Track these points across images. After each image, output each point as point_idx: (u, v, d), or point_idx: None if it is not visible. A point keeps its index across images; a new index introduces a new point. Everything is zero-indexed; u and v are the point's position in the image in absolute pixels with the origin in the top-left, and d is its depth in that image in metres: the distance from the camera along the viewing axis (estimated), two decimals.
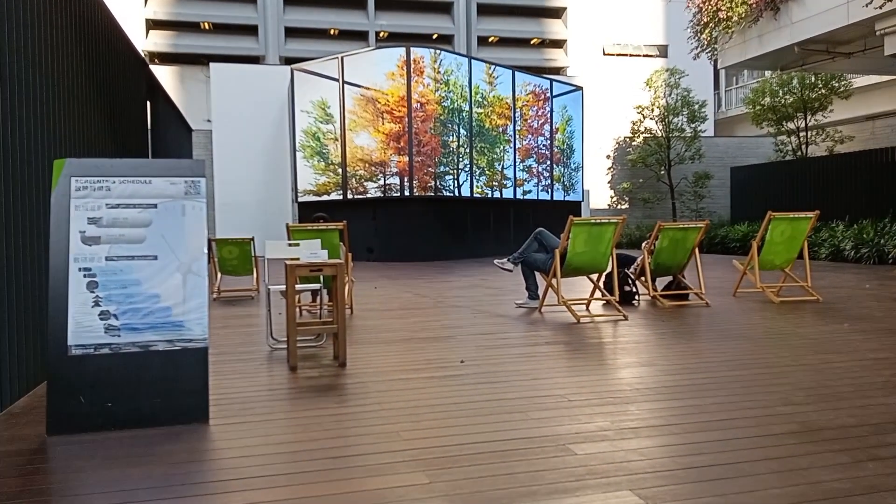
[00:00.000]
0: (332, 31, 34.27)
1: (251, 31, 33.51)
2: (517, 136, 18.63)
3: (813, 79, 20.69)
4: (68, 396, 3.06)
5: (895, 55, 12.90)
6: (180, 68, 31.34)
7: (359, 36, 33.95)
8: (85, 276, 3.15)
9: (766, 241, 7.64)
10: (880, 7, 11.83)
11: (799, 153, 21.48)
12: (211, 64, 21.32)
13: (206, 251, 3.30)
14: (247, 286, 9.11)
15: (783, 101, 21.46)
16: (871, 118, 23.99)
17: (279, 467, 2.62)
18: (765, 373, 4.10)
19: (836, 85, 20.82)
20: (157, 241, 3.24)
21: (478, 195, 17.45)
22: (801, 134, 21.57)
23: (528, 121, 19.09)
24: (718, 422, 3.10)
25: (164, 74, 27.18)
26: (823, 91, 20.87)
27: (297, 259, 4.81)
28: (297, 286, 4.77)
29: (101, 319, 3.14)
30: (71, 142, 4.82)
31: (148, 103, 9.47)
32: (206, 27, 33.31)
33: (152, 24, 32.49)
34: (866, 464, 2.54)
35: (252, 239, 8.80)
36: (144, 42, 31.07)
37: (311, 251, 4.95)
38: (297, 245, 5.14)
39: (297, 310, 6.57)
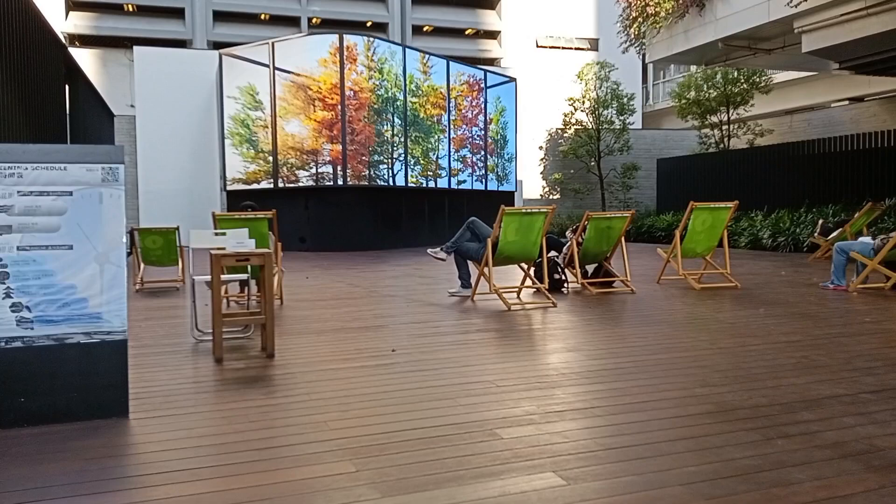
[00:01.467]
0: (262, 16, 33.49)
1: (178, 13, 32.40)
2: (452, 126, 18.68)
3: (735, 74, 21.46)
4: None
5: (812, 52, 13.51)
6: (102, 51, 30.03)
7: (291, 21, 33.28)
8: None
9: (688, 230, 7.91)
10: (795, 6, 12.35)
11: (721, 146, 22.26)
12: (135, 47, 20.56)
13: (124, 240, 3.19)
14: (171, 277, 8.85)
15: (707, 95, 22.19)
16: (790, 112, 25.04)
17: (203, 460, 2.57)
18: (684, 356, 4.25)
19: (758, 80, 21.65)
20: (73, 230, 3.11)
21: (412, 185, 17.42)
22: (724, 127, 22.37)
23: (463, 111, 19.16)
24: (639, 403, 3.21)
25: (85, 58, 25.99)
26: (745, 86, 21.68)
27: (224, 249, 4.70)
28: (223, 276, 4.67)
29: (13, 311, 3.01)
30: None
31: (66, 87, 9.07)
32: (130, 9, 32.03)
33: (72, 5, 31.03)
34: (776, 441, 2.67)
35: (177, 228, 8.55)
36: (64, 24, 29.65)
37: (238, 240, 4.85)
38: (224, 234, 5.03)
39: (225, 301, 6.44)
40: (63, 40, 8.76)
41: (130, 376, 3.19)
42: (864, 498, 2.16)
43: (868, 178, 15.27)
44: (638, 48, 17.49)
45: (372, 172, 16.41)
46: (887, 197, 13.91)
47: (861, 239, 7.75)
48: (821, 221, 12.44)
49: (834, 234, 11.19)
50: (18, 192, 3.08)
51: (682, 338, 4.89)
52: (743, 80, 21.65)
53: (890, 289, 7.17)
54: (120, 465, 2.59)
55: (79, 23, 30.91)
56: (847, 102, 23.86)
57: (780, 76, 24.73)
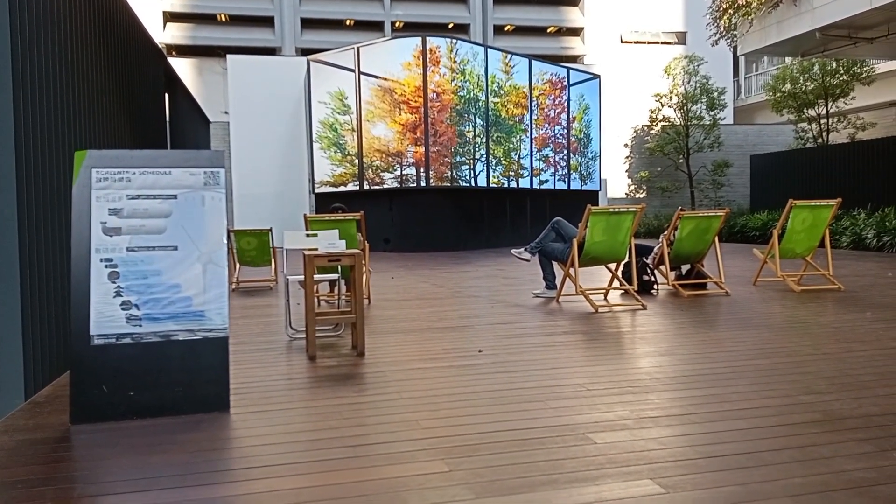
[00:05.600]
0: (347, 22, 34.24)
1: (267, 22, 33.57)
2: (534, 126, 18.54)
3: (834, 65, 20.39)
4: (91, 385, 3.09)
5: None
6: (198, 60, 31.47)
7: (374, 26, 33.90)
8: (106, 266, 3.18)
9: (786, 230, 7.56)
10: None
11: (820, 140, 21.21)
12: (228, 56, 21.40)
13: (225, 241, 3.32)
14: (265, 277, 9.16)
15: (804, 87, 21.19)
16: (895, 104, 23.59)
17: (299, 455, 2.64)
18: (785, 362, 4.06)
19: (858, 71, 20.52)
20: (178, 232, 3.26)
21: (494, 185, 17.40)
22: (822, 121, 21.30)
23: (545, 110, 18.98)
24: (739, 411, 3.08)
25: (182, 66, 27.29)
26: (845, 77, 20.58)
27: (316, 249, 4.82)
28: (315, 276, 4.79)
29: (123, 309, 3.17)
30: (91, 133, 4.86)
31: (166, 95, 9.53)
32: (223, 19, 33.41)
33: (170, 17, 32.64)
34: (891, 453, 2.51)
35: (270, 230, 8.85)
36: (162, 34, 31.24)
37: (329, 241, 4.96)
38: (315, 236, 5.15)
39: (316, 300, 6.60)
40: (162, 50, 9.20)
41: (230, 372, 3.31)
42: None
43: None
44: (729, 40, 16.87)
45: (454, 173, 16.49)
46: None
47: None
48: None
49: None
50: (127, 195, 3.25)
51: (782, 342, 4.67)
52: (842, 71, 20.56)
53: None
54: (222, 458, 2.69)
55: (176, 33, 32.47)
56: None
57: (883, 66, 23.32)
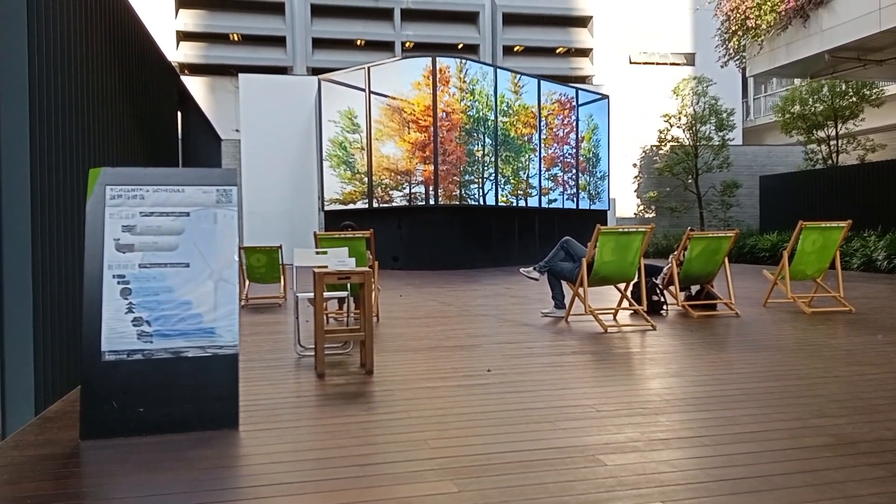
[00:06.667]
0: (358, 42, 34.56)
1: (279, 42, 33.92)
2: (542, 145, 18.60)
3: (844, 86, 20.39)
4: (101, 401, 3.10)
5: None
6: (210, 79, 31.80)
7: (385, 46, 34.19)
8: (119, 282, 3.20)
9: (796, 251, 7.53)
10: None
11: (829, 162, 21.16)
12: (240, 74, 21.60)
13: (236, 259, 3.34)
14: (274, 294, 9.18)
15: (813, 109, 21.18)
16: None
17: (308, 474, 2.63)
18: (797, 384, 4.03)
19: (868, 93, 20.51)
20: (190, 249, 3.28)
21: (503, 204, 17.43)
22: (832, 142, 21.26)
23: (554, 129, 19.05)
24: (750, 434, 3.06)
25: (195, 85, 27.59)
26: (854, 99, 20.57)
27: (325, 267, 4.84)
28: (324, 294, 4.80)
29: (135, 326, 3.19)
30: (105, 151, 4.91)
31: (179, 113, 9.62)
32: (236, 38, 33.79)
33: (183, 36, 33.04)
34: None
35: (280, 247, 8.88)
36: (175, 53, 31.60)
37: (339, 259, 4.98)
38: (325, 253, 5.17)
39: (325, 317, 6.61)
40: (175, 69, 9.31)
41: (239, 389, 3.32)
42: None
43: None
44: (738, 62, 16.90)
45: (463, 192, 16.53)
46: None
47: None
48: None
49: None
50: (141, 212, 3.28)
51: (793, 365, 4.64)
52: (852, 93, 20.55)
53: None
54: (231, 475, 2.69)
55: (189, 52, 32.84)
56: None
57: (892, 88, 23.31)
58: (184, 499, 2.40)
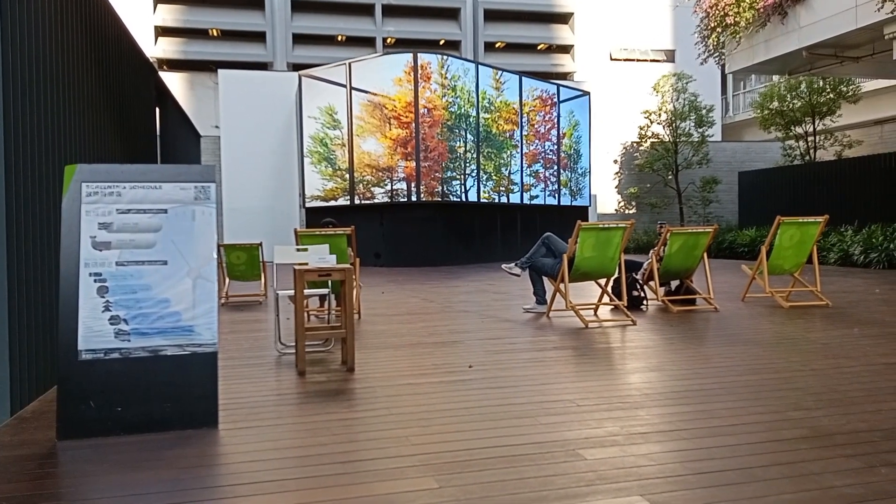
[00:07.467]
0: (339, 38, 34.39)
1: (259, 37, 33.67)
2: (524, 142, 18.64)
3: (821, 83, 20.63)
4: (78, 401, 3.07)
5: None
6: (189, 75, 31.51)
7: (366, 42, 34.06)
8: (95, 281, 3.16)
9: (774, 246, 7.61)
10: (891, 12, 11.79)
11: (807, 158, 21.41)
12: (219, 70, 21.43)
13: (215, 256, 3.31)
14: (254, 291, 9.12)
15: (791, 105, 21.41)
16: (880, 122, 23.87)
17: (289, 472, 2.62)
18: (774, 378, 4.08)
19: (845, 89, 20.77)
20: (168, 247, 3.25)
21: (485, 200, 17.45)
22: (810, 138, 21.51)
23: (536, 126, 19.10)
24: (728, 427, 3.09)
25: (173, 81, 27.31)
26: (832, 95, 20.82)
27: (306, 264, 4.81)
28: (305, 291, 4.77)
29: (112, 324, 3.16)
30: (82, 147, 4.85)
31: (157, 109, 9.52)
32: (215, 34, 33.48)
33: (161, 31, 32.68)
34: (879, 469, 2.52)
35: (260, 244, 8.82)
36: (153, 49, 31.26)
37: (320, 256, 4.95)
38: (306, 250, 5.15)
39: (305, 315, 6.58)
40: (153, 65, 9.21)
41: (219, 388, 3.29)
42: None
43: None
44: (717, 59, 17.03)
45: (445, 188, 16.53)
46: None
47: None
48: None
49: None
50: (117, 209, 3.25)
51: (771, 358, 4.69)
52: (829, 90, 20.81)
53: None
54: (211, 474, 2.67)
55: (167, 48, 32.51)
56: None
57: (869, 84, 23.62)
58: (163, 498, 2.38)
